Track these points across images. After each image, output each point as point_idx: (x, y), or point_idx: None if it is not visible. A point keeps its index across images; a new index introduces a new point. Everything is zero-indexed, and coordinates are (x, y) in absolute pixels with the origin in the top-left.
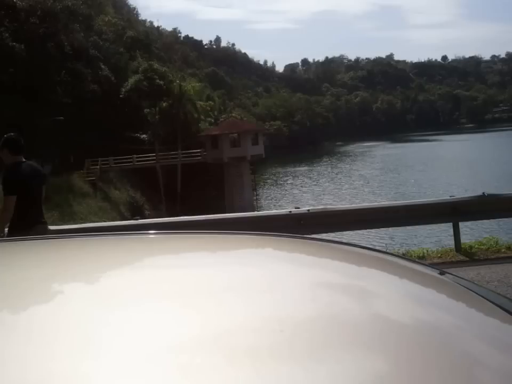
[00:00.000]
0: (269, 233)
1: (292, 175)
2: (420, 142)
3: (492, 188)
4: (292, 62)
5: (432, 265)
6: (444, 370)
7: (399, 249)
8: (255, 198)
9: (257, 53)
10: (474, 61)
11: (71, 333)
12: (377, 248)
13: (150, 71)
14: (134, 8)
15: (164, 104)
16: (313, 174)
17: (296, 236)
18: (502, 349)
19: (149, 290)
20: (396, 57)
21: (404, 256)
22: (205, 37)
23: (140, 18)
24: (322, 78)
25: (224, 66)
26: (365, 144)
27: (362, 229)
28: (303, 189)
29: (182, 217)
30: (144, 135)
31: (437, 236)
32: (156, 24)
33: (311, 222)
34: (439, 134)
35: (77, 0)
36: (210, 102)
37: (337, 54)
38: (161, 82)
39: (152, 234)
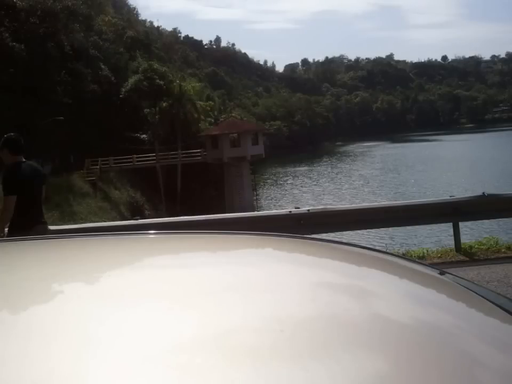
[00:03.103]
0: (269, 233)
1: (292, 175)
2: (420, 142)
3: (492, 188)
4: (292, 62)
5: (432, 265)
6: (444, 370)
7: (399, 249)
8: (255, 198)
9: (257, 53)
10: (474, 61)
11: (71, 333)
12: (377, 248)
13: (150, 71)
14: (134, 8)
15: (164, 104)
16: (313, 174)
17: (296, 236)
18: (502, 349)
19: (149, 290)
20: (396, 57)
21: (404, 256)
22: (205, 37)
23: (140, 18)
24: (322, 78)
25: (224, 66)
26: (365, 144)
27: (362, 229)
28: (303, 189)
29: (182, 217)
30: (144, 135)
31: (437, 236)
32: (156, 24)
33: (311, 222)
34: (439, 134)
35: (77, 0)
36: (210, 102)
37: (337, 54)
38: (161, 82)
39: (152, 234)
